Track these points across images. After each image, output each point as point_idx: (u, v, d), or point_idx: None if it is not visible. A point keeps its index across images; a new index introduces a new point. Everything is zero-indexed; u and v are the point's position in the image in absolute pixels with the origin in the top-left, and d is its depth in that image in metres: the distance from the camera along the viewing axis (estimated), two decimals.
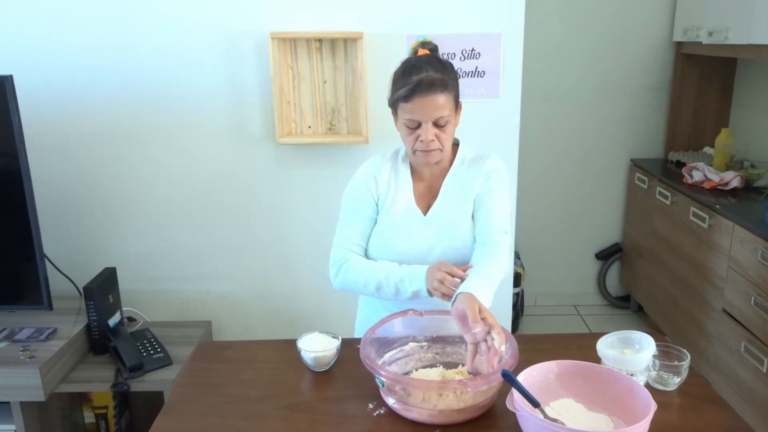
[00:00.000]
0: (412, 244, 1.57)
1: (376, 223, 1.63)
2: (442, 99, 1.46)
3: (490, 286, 1.40)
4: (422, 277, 1.46)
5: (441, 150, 1.51)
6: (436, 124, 1.48)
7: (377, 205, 1.63)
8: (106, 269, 2.28)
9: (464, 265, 1.50)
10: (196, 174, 2.45)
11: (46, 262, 2.15)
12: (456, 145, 1.65)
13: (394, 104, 1.51)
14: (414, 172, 1.63)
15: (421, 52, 1.53)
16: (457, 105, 1.53)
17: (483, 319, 1.28)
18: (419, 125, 1.48)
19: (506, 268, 1.53)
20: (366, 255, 1.62)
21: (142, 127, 2.39)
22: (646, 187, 3.34)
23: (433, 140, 1.48)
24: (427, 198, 1.62)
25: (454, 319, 1.34)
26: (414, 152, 1.53)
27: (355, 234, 1.62)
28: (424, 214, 1.60)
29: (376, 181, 1.62)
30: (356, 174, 1.66)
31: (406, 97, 1.45)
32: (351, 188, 1.66)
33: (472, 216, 1.60)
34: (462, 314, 1.31)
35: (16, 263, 2.12)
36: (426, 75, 1.45)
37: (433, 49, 1.56)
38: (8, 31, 2.28)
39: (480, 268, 1.45)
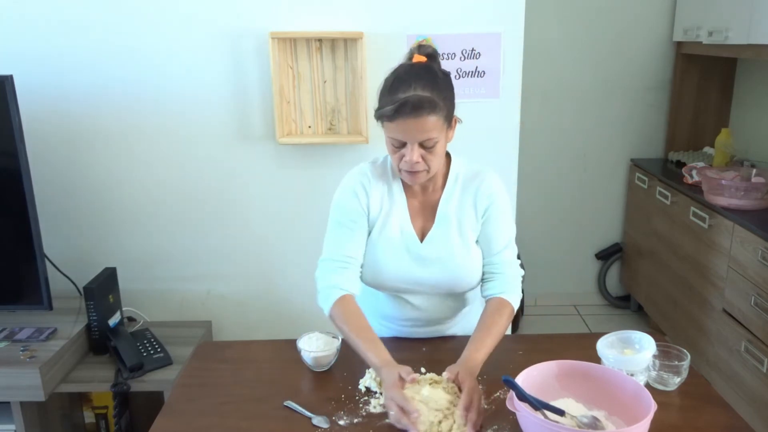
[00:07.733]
0: (406, 271, 1.50)
1: (369, 234, 1.53)
2: (430, 121, 1.33)
3: (490, 347, 1.41)
4: (378, 373, 1.35)
5: (427, 171, 1.41)
6: (422, 146, 1.37)
7: (368, 219, 1.52)
8: (106, 269, 2.28)
9: (459, 289, 1.51)
10: (196, 174, 2.44)
11: (46, 262, 2.16)
12: (447, 155, 1.53)
13: (379, 119, 1.39)
14: (406, 186, 1.52)
15: (416, 58, 1.41)
16: (450, 122, 1.40)
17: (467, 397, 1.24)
18: (404, 144, 1.37)
19: (518, 298, 1.55)
20: (361, 274, 1.53)
21: (142, 127, 2.39)
22: (646, 187, 3.34)
23: (418, 162, 1.37)
24: (421, 218, 1.53)
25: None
26: (399, 170, 1.43)
27: (348, 246, 1.51)
28: (421, 239, 1.51)
29: (366, 193, 1.51)
30: (343, 183, 1.55)
31: (390, 117, 1.34)
32: (340, 198, 1.54)
33: (477, 242, 1.53)
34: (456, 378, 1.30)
35: (16, 263, 2.13)
36: (413, 94, 1.31)
37: (431, 54, 1.43)
38: (8, 31, 2.28)
39: (488, 329, 1.43)
